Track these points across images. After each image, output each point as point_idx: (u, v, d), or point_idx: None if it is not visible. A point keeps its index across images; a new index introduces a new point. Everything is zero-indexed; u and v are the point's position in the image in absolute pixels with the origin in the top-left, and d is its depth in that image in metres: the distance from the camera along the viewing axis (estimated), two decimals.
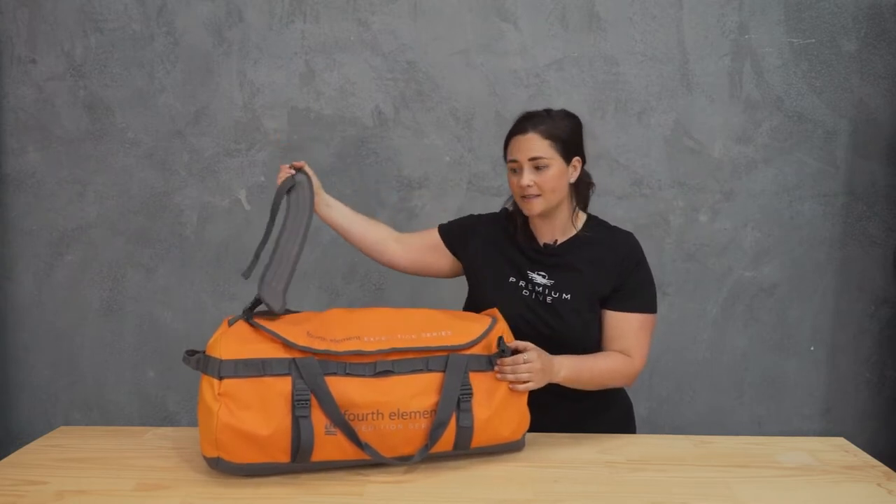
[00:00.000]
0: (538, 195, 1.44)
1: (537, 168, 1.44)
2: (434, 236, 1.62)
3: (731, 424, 2.32)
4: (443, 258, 1.61)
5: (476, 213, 1.67)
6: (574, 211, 1.53)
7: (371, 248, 1.59)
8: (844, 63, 2.21)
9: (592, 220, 1.56)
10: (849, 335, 2.31)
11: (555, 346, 1.41)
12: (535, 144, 1.43)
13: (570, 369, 1.39)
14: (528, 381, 1.29)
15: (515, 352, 1.31)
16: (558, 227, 1.52)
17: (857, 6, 2.19)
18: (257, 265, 1.33)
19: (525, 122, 1.47)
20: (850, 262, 2.28)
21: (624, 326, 1.47)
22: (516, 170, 1.46)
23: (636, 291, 1.49)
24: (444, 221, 1.65)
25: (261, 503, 1.11)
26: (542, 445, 1.35)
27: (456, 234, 1.61)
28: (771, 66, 2.21)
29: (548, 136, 1.44)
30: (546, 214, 1.49)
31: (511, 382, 1.29)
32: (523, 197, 1.46)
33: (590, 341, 1.48)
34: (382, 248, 1.59)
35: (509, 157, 1.48)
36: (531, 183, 1.43)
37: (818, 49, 2.21)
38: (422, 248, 1.61)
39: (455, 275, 1.64)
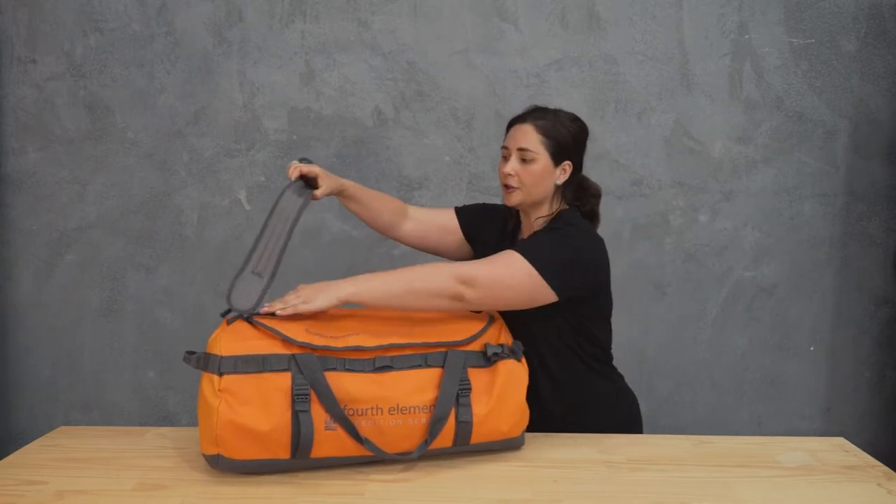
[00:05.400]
0: (517, 187, 1.45)
1: (523, 160, 1.44)
2: (449, 217, 1.61)
3: (731, 424, 2.32)
4: (452, 240, 1.60)
5: (491, 203, 1.67)
6: (554, 212, 1.49)
7: (384, 224, 1.55)
8: (844, 63, 2.21)
9: (560, 218, 1.48)
10: (849, 335, 2.31)
11: (530, 343, 1.39)
12: (527, 136, 1.44)
13: (360, 279, 1.27)
14: (305, 302, 1.23)
15: (495, 355, 1.26)
16: (533, 225, 1.51)
17: (857, 6, 2.19)
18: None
19: (527, 114, 1.48)
20: (850, 262, 2.28)
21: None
22: (506, 157, 1.48)
23: (530, 238, 1.44)
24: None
25: (261, 503, 1.11)
26: (541, 445, 1.35)
27: (473, 220, 1.61)
28: (771, 66, 2.21)
29: (542, 131, 1.44)
30: (524, 210, 1.51)
31: (290, 311, 1.22)
32: (504, 185, 1.47)
33: (558, 340, 1.45)
34: (396, 220, 1.55)
35: (503, 143, 1.49)
36: (513, 172, 1.44)
37: (818, 49, 2.21)
38: (434, 226, 1.59)
39: (459, 258, 1.61)
